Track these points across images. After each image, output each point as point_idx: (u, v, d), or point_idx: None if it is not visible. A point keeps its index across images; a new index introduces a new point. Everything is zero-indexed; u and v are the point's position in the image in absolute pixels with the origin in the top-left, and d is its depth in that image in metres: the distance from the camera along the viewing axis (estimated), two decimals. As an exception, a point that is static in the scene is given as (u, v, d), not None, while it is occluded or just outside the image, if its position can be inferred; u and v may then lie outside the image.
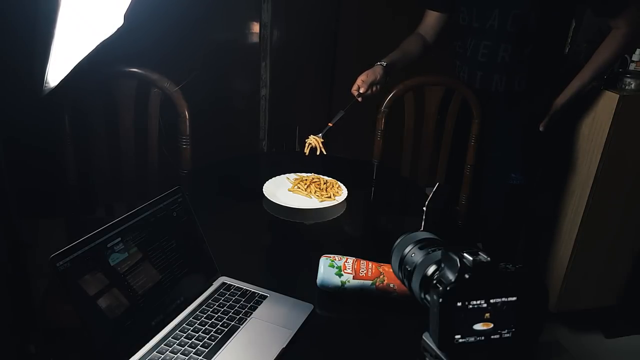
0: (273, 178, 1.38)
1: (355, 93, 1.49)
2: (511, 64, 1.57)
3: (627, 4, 1.47)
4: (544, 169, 1.93)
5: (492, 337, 0.55)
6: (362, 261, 0.94)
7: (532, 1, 1.47)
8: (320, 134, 1.43)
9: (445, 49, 1.77)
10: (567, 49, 1.90)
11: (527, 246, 2.16)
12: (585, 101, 1.83)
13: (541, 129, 1.65)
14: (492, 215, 1.81)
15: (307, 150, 1.42)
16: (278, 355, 0.78)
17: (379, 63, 1.56)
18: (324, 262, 0.93)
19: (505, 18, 1.51)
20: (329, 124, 1.45)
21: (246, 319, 0.85)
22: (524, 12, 1.49)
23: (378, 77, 1.50)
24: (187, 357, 0.76)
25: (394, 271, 0.70)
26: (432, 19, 1.73)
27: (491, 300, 0.54)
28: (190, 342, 0.79)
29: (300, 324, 0.85)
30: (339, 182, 1.38)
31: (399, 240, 0.70)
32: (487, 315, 0.54)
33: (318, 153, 1.41)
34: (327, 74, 2.61)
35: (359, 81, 1.49)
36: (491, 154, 1.73)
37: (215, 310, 0.87)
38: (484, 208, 1.80)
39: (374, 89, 1.52)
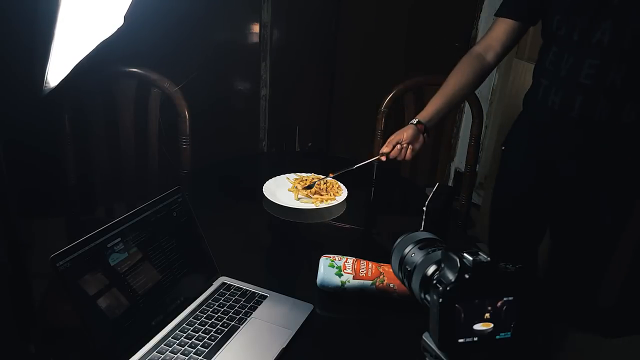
0: (273, 178, 1.38)
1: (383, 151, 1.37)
2: (623, 89, 1.20)
3: None
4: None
5: (492, 336, 0.55)
6: (362, 261, 0.94)
7: None
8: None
9: (446, 48, 1.77)
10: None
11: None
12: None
13: None
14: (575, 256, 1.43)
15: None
16: (278, 355, 0.78)
17: (411, 122, 1.38)
18: (324, 262, 0.93)
19: (621, 32, 1.15)
20: (330, 174, 1.39)
21: (246, 319, 0.85)
22: None
23: (404, 136, 1.34)
24: (187, 357, 0.76)
25: (394, 271, 0.71)
26: (503, 29, 1.33)
27: (491, 300, 0.54)
28: (190, 342, 0.79)
29: (300, 324, 0.85)
30: (339, 182, 1.38)
31: (399, 240, 0.70)
32: (487, 315, 0.54)
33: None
34: (327, 74, 2.62)
35: (388, 140, 1.37)
36: (583, 192, 1.34)
37: (215, 310, 0.87)
38: (563, 251, 1.44)
39: (406, 150, 1.35)
